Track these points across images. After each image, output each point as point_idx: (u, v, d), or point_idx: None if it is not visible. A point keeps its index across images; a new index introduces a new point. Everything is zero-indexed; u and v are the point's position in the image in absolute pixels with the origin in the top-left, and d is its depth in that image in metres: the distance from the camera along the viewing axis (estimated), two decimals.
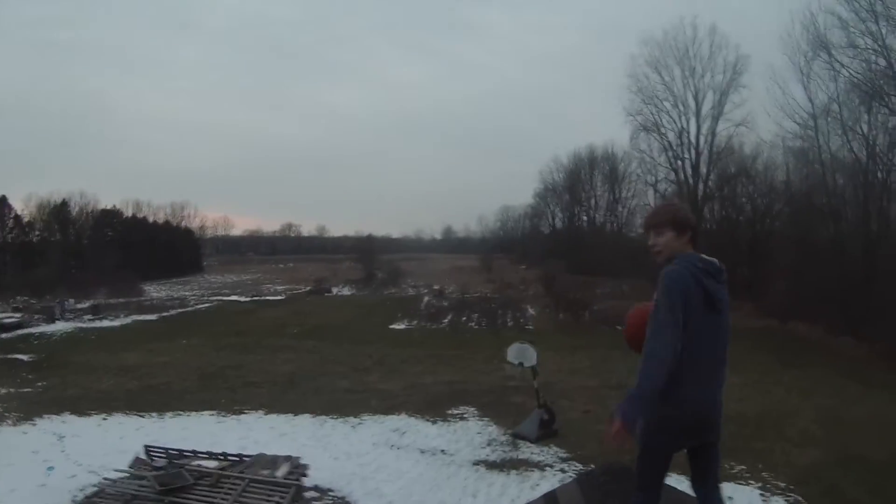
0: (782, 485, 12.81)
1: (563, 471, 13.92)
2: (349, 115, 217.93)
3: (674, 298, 3.20)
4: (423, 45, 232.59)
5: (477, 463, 14.65)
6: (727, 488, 12.44)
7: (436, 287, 61.40)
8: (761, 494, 12.42)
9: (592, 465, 12.48)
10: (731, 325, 3.45)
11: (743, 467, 13.66)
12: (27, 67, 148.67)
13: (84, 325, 40.45)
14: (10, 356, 29.32)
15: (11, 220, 70.73)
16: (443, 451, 15.58)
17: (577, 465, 14.16)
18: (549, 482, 12.85)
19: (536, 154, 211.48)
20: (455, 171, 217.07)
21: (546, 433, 16.11)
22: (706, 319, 3.27)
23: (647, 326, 3.26)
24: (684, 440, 3.47)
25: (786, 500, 12.15)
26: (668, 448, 3.47)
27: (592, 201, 79.75)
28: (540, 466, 14.30)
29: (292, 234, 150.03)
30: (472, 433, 16.93)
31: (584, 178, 79.92)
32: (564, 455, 14.93)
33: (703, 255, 3.40)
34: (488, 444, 15.95)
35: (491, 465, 14.46)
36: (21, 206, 72.92)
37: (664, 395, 3.21)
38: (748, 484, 12.89)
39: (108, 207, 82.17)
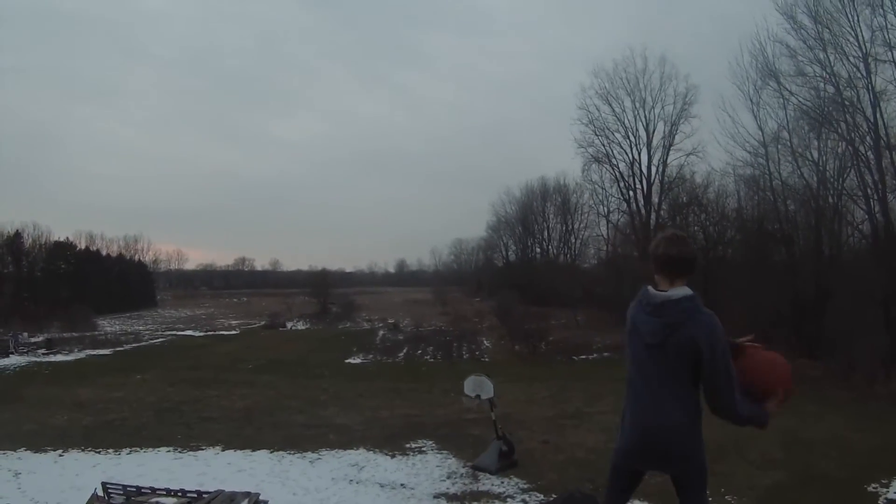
0: None
1: (524, 501, 13.99)
2: (300, 147, 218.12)
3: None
4: (373, 76, 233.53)
5: (438, 496, 14.62)
6: None
7: (390, 321, 61.82)
8: None
9: (553, 496, 12.55)
10: (682, 364, 3.50)
11: (706, 492, 13.68)
12: None
13: (38, 360, 39.63)
14: None
15: None
16: (402, 484, 15.51)
17: (538, 495, 14.23)
18: None
19: (489, 186, 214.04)
20: (407, 203, 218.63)
21: (505, 464, 16.14)
22: (643, 351, 3.51)
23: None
24: (628, 461, 3.72)
25: None
26: (619, 468, 3.77)
27: (546, 233, 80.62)
28: (501, 498, 14.31)
29: (246, 269, 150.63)
30: (431, 466, 16.88)
31: (536, 209, 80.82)
32: (525, 486, 14.95)
33: (649, 289, 3.60)
34: (448, 477, 15.93)
35: (452, 498, 14.45)
36: None
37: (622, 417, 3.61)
38: None
39: (61, 240, 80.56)
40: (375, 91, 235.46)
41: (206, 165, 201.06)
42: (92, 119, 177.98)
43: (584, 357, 37.71)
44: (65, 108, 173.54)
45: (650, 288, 3.54)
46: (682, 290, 3.49)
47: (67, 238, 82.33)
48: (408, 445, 18.80)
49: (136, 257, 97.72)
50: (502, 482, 15.27)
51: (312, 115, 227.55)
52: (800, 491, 13.52)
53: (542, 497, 13.88)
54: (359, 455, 18.02)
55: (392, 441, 19.23)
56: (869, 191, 31.88)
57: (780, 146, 36.90)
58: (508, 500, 14.17)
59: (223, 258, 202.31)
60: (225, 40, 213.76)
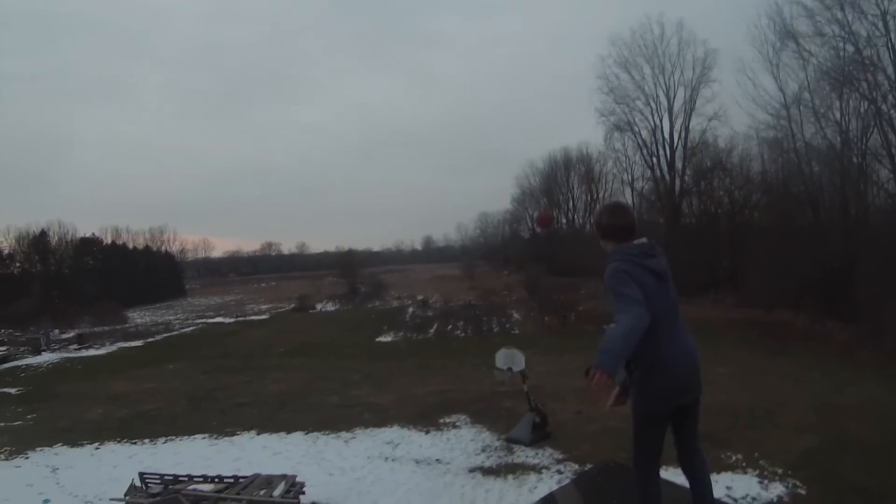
0: (780, 471, 12.81)
1: (559, 472, 13.85)
2: (321, 133, 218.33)
3: (617, 284, 3.57)
4: (389, 60, 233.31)
5: (473, 470, 14.56)
6: (725, 478, 12.47)
7: (419, 297, 61.56)
8: (759, 482, 12.40)
9: (588, 465, 12.46)
10: (677, 290, 3.86)
11: (739, 456, 13.65)
12: None
13: (70, 355, 40.10)
14: None
15: None
16: (438, 460, 15.48)
17: (573, 465, 14.10)
18: (546, 484, 12.84)
19: (512, 161, 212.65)
20: (432, 181, 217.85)
21: (539, 436, 16.06)
22: (658, 289, 3.64)
23: (614, 310, 3.58)
24: (679, 399, 3.76)
25: (784, 486, 12.14)
26: (666, 414, 3.76)
27: (570, 203, 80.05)
28: (536, 469, 14.21)
29: (273, 253, 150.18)
30: (465, 441, 16.84)
31: (560, 180, 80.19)
32: (559, 456, 14.85)
33: (634, 242, 3.82)
34: (483, 451, 15.88)
35: (487, 472, 14.37)
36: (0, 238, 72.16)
37: (651, 367, 3.58)
38: (745, 472, 12.88)
39: (87, 236, 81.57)
40: (392, 75, 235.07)
41: (225, 157, 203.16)
42: (108, 119, 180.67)
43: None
44: (80, 110, 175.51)
45: (630, 244, 3.80)
46: (643, 239, 3.86)
47: (93, 234, 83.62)
48: (441, 421, 18.77)
49: (163, 248, 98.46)
50: (536, 454, 15.18)
51: (328, 102, 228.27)
52: (834, 455, 13.34)
53: (576, 467, 13.70)
54: (393, 433, 18.02)
55: (426, 417, 19.22)
56: (893, 150, 31.28)
57: (801, 108, 36.35)
58: (543, 471, 14.04)
59: (249, 244, 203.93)
60: (233, 33, 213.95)
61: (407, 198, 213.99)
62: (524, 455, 15.23)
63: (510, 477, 13.88)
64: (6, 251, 72.11)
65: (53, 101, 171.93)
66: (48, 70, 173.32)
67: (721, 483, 12.10)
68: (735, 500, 11.50)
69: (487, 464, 14.92)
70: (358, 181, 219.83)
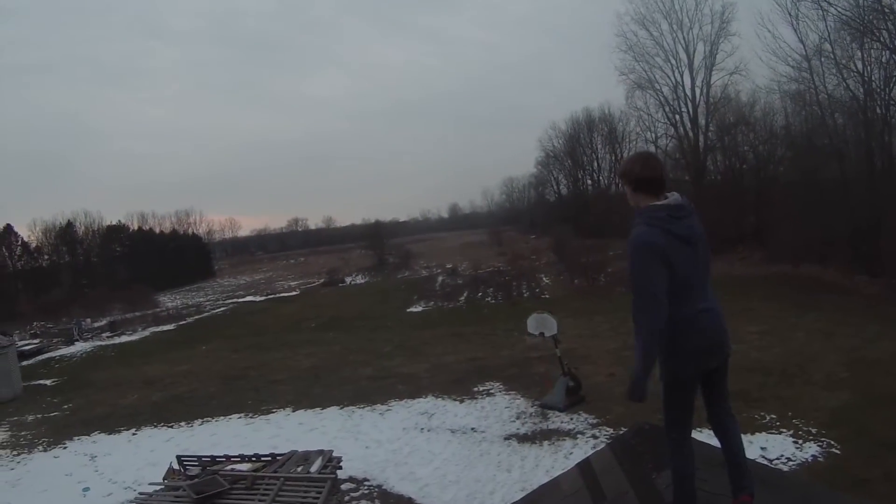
0: (813, 430, 12.83)
1: (594, 437, 13.99)
2: (339, 104, 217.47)
3: (640, 267, 3.45)
4: (404, 24, 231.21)
5: (508, 437, 14.72)
6: (760, 439, 12.52)
7: (448, 266, 61.23)
8: (794, 442, 12.44)
9: (623, 429, 12.55)
10: (709, 251, 3.71)
11: (773, 416, 13.70)
12: None
13: (103, 343, 40.44)
14: (33, 382, 29.26)
15: (19, 248, 70.27)
16: (473, 428, 15.65)
17: (608, 429, 14.23)
18: (581, 449, 13.00)
19: (535, 123, 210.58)
20: (455, 147, 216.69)
21: (573, 400, 16.20)
22: (686, 255, 3.50)
23: (633, 293, 3.47)
24: (707, 362, 3.69)
25: (818, 446, 12.17)
26: (696, 376, 3.70)
27: (595, 164, 79.23)
28: (571, 435, 14.36)
29: (300, 229, 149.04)
30: (500, 408, 16.98)
31: (583, 141, 79.33)
32: (594, 421, 14.99)
33: (661, 202, 3.58)
34: (517, 418, 16.02)
35: (522, 439, 14.53)
36: (27, 232, 72.61)
37: (680, 331, 3.52)
38: (780, 432, 12.93)
39: (114, 223, 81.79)
40: (409, 41, 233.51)
41: (245, 133, 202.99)
42: (124, 102, 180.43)
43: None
44: (95, 95, 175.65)
45: (660, 202, 3.59)
46: (675, 195, 3.64)
47: (119, 221, 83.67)
48: (475, 389, 18.92)
49: (190, 231, 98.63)
50: (571, 419, 15.32)
51: (343, 71, 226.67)
52: (866, 411, 13.29)
53: (611, 431, 13.88)
54: (428, 403, 18.23)
55: (460, 386, 19.39)
56: None
57: (823, 59, 35.61)
58: (579, 436, 14.20)
59: (276, 221, 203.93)
60: (246, 4, 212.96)
61: (431, 166, 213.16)
62: (559, 420, 15.38)
63: (545, 443, 14.04)
64: (34, 244, 72.58)
65: (69, 90, 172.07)
66: (62, 58, 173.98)
67: (755, 444, 12.15)
68: (770, 460, 11.53)
69: (522, 431, 15.08)
70: (381, 151, 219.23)
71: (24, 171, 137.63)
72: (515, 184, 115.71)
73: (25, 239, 71.60)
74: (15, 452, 18.74)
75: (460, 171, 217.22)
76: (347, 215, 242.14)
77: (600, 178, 78.66)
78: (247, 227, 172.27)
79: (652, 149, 56.48)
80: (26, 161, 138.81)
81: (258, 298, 58.17)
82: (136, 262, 70.92)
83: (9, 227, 69.22)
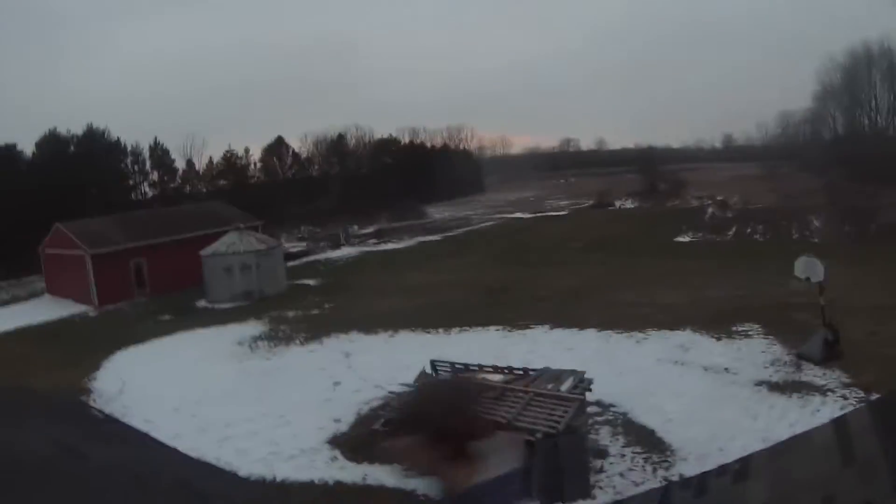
0: None
1: (844, 397, 13.34)
2: (619, 24, 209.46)
3: None
4: None
5: (759, 383, 14.48)
6: None
7: (719, 198, 59.17)
8: None
9: (875, 394, 12.14)
10: None
11: None
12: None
13: (369, 249, 43.37)
14: (298, 282, 31.67)
15: (290, 158, 74.98)
16: (726, 369, 15.56)
17: (859, 392, 13.48)
18: (829, 409, 12.49)
19: (813, 53, 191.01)
20: (731, 76, 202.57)
21: (830, 355, 15.48)
22: None
23: None
24: None
25: None
26: None
27: (872, 103, 71.51)
28: (821, 391, 13.80)
29: (571, 150, 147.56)
30: (755, 352, 16.66)
31: (861, 77, 71.71)
32: (846, 380, 14.24)
33: None
34: (771, 364, 15.69)
35: (773, 387, 14.24)
36: (297, 144, 77.94)
37: None
38: None
39: (384, 137, 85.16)
40: None
41: (519, 51, 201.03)
42: (394, 19, 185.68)
43: None
44: (354, 12, 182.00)
45: None
46: None
47: (390, 135, 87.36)
48: (734, 328, 18.54)
49: (461, 146, 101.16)
50: (824, 374, 14.68)
51: None
52: None
53: (862, 395, 13.14)
54: (685, 336, 18.15)
55: (718, 322, 19.04)
56: None
57: None
58: (829, 394, 13.59)
59: (548, 141, 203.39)
60: None
61: (706, 93, 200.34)
62: (812, 374, 14.84)
63: (795, 395, 13.67)
64: (305, 155, 77.54)
65: (337, 8, 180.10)
66: None
67: None
68: None
69: (774, 378, 14.78)
70: (655, 76, 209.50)
71: (297, 93, 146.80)
72: (790, 118, 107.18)
73: (296, 150, 76.61)
74: (272, 344, 20.75)
75: (736, 100, 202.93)
76: (619, 138, 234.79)
77: (878, 118, 70.87)
78: (518, 145, 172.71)
79: None
80: (301, 77, 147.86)
81: (526, 215, 59.74)
82: (406, 174, 73.69)
83: (280, 139, 74.27)
